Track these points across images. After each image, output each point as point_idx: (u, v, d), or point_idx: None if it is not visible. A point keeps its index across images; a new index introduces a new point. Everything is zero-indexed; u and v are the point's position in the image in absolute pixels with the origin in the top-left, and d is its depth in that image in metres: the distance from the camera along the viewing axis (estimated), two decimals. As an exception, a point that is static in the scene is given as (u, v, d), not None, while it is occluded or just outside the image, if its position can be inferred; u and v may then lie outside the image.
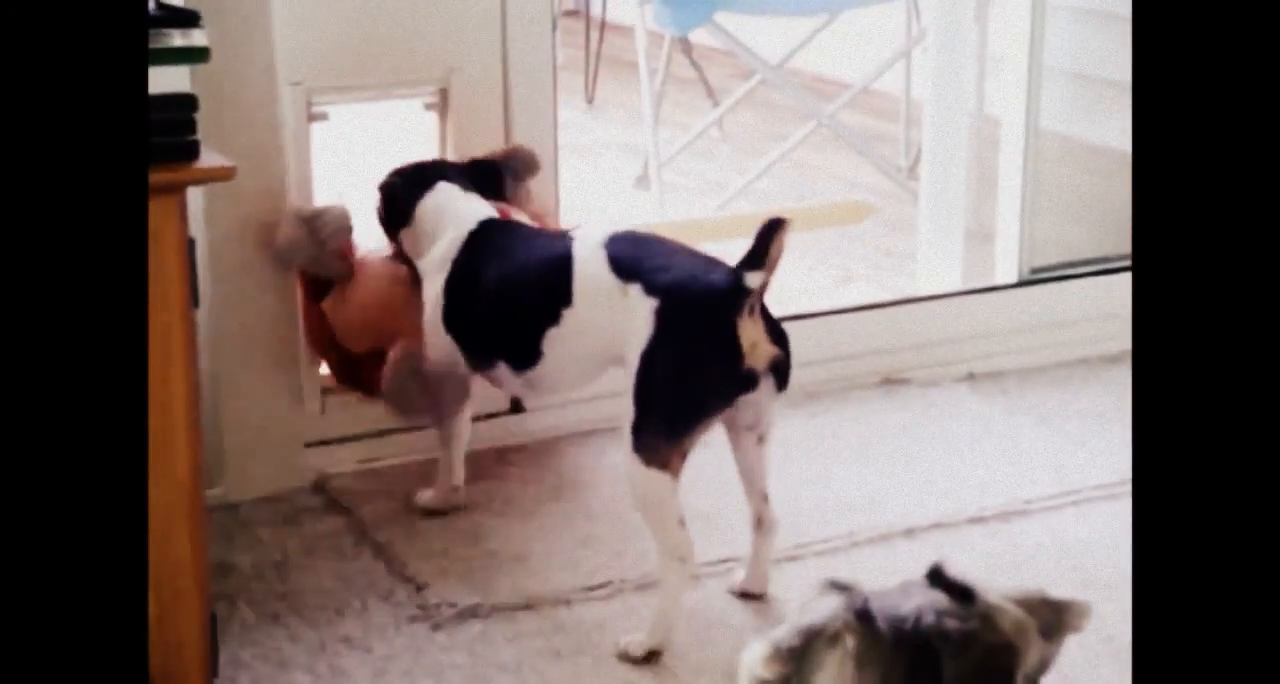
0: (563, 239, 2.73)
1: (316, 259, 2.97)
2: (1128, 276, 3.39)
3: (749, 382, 2.54)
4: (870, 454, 3.28)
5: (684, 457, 2.54)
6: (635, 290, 2.56)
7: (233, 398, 3.04)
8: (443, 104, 3.16)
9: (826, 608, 1.99)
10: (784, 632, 2.00)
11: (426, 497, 3.02)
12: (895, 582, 2.11)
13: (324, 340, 3.04)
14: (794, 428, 3.35)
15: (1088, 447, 3.30)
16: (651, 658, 2.58)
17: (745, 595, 2.75)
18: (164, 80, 2.16)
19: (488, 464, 3.17)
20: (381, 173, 2.99)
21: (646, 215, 4.80)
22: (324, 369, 3.16)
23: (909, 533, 2.97)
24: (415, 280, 2.95)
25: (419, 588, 2.79)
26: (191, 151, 2.21)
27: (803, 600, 2.05)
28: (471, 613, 2.72)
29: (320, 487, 3.13)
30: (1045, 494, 3.11)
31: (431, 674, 2.57)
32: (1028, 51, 3.69)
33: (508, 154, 3.05)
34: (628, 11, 5.17)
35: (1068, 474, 3.19)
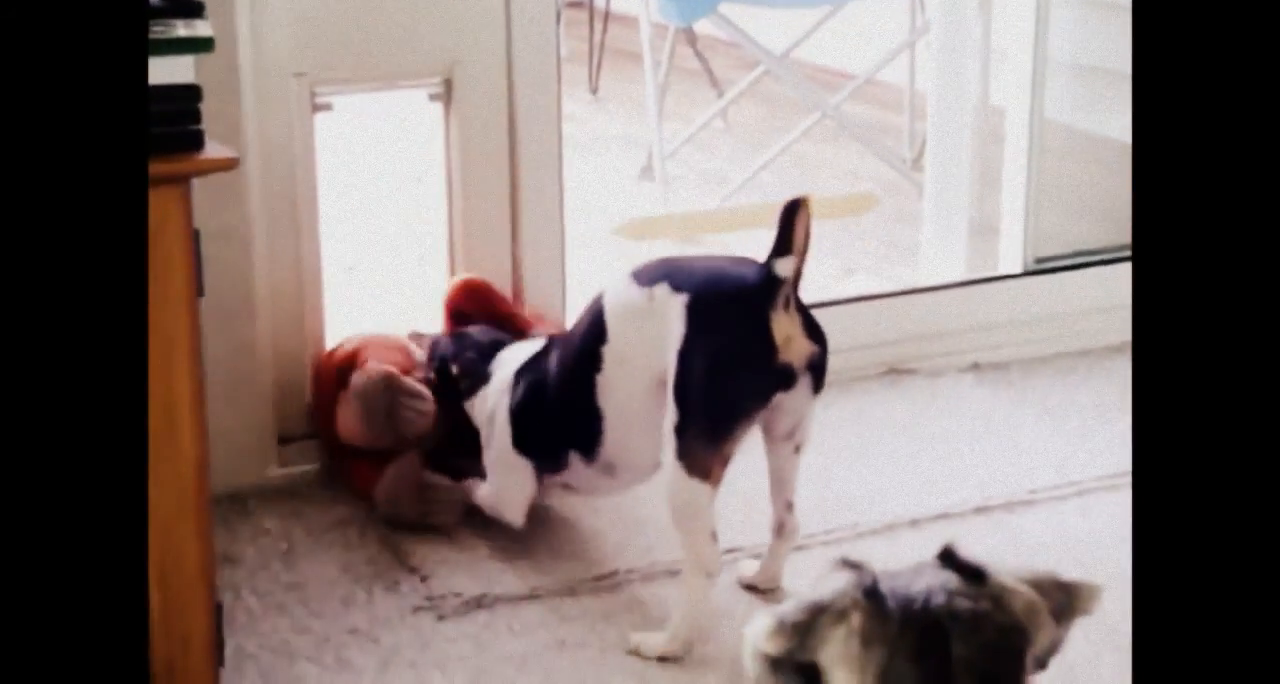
0: (595, 300, 2.67)
1: (376, 425, 2.93)
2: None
3: (785, 378, 2.48)
4: (874, 445, 3.28)
5: (725, 464, 2.50)
6: (661, 291, 2.52)
7: (238, 387, 3.04)
8: (447, 95, 3.16)
9: (835, 585, 1.98)
10: (789, 607, 1.99)
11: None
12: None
13: (324, 421, 3.05)
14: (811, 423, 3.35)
15: (1092, 438, 3.30)
16: (665, 661, 2.56)
17: (753, 589, 2.75)
18: (168, 70, 2.15)
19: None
20: (443, 328, 3.06)
21: (650, 207, 4.80)
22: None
23: (913, 524, 2.97)
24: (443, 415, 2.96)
25: (424, 579, 2.80)
26: (196, 142, 2.20)
27: (815, 578, 2.04)
28: (477, 603, 2.72)
29: (325, 477, 3.13)
30: (1049, 485, 3.11)
31: (437, 665, 2.58)
32: (1032, 43, 3.69)
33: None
34: (632, 3, 5.17)
35: (1072, 465, 3.19)
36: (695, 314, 2.47)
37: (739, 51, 5.31)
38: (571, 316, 2.95)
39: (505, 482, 2.83)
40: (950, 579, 2.00)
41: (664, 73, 5.14)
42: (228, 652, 2.49)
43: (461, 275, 3.15)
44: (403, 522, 2.92)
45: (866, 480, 3.13)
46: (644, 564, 2.83)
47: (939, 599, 1.97)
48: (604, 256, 4.25)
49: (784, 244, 2.43)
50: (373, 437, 2.95)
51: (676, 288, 2.50)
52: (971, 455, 3.23)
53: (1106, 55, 3.97)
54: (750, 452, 2.66)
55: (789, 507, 2.70)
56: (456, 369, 2.92)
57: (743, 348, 2.45)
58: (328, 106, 3.10)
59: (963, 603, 1.97)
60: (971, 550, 2.04)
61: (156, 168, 2.08)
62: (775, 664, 1.99)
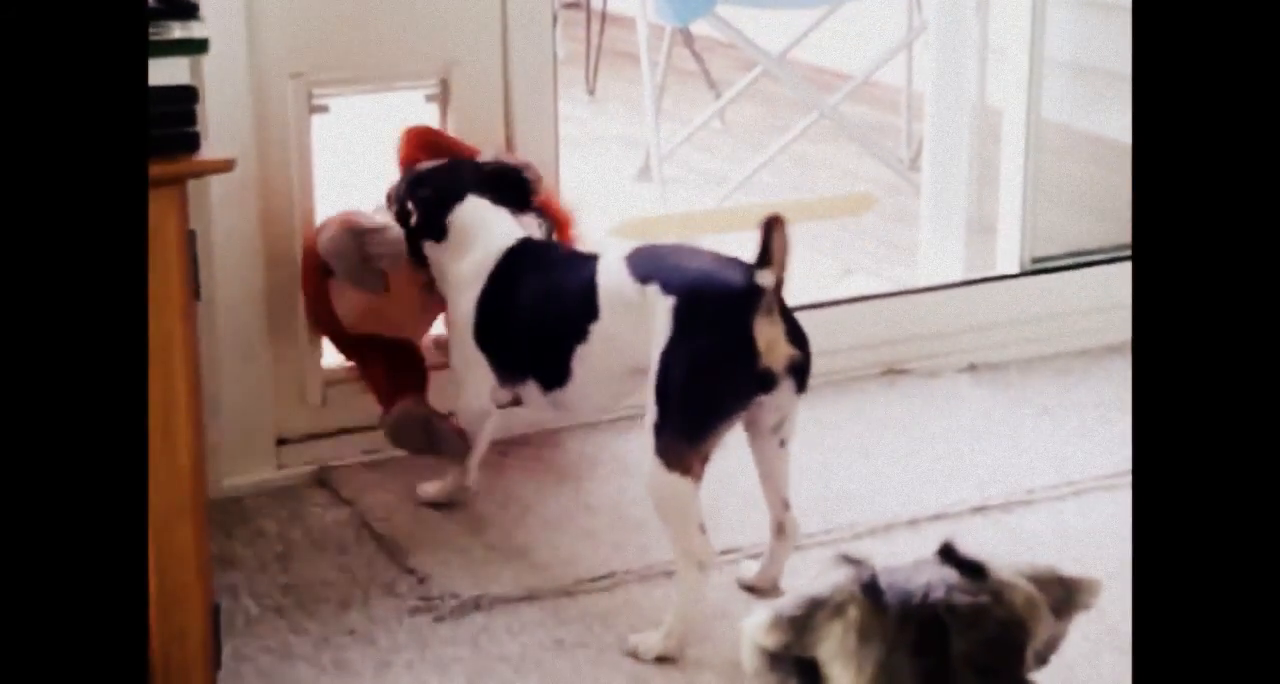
0: (590, 259, 2.75)
1: (354, 271, 2.96)
2: (1130, 267, 3.39)
3: (766, 382, 2.54)
4: (872, 445, 3.28)
5: (705, 460, 2.55)
6: (653, 290, 2.58)
7: (235, 389, 3.04)
8: (444, 96, 3.16)
9: (833, 580, 1.97)
10: (787, 601, 1.99)
11: (430, 489, 3.02)
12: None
13: (324, 318, 3.04)
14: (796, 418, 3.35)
15: (1090, 437, 3.30)
16: (663, 662, 2.57)
17: (752, 590, 2.75)
18: (164, 72, 2.15)
19: (490, 456, 3.16)
20: (399, 174, 2.99)
21: (648, 208, 4.80)
22: (325, 362, 3.16)
23: (911, 524, 2.97)
24: (429, 284, 2.96)
25: (421, 580, 2.79)
26: (192, 143, 2.20)
27: (813, 574, 2.04)
28: (474, 605, 2.72)
29: (322, 478, 3.13)
30: (1047, 484, 3.11)
31: (434, 666, 2.57)
32: (1029, 42, 3.69)
33: (524, 166, 3.04)
34: (628, 4, 5.17)
35: (1069, 465, 3.19)
36: (682, 317, 2.54)
37: (736, 52, 5.31)
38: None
39: (467, 376, 2.90)
40: (950, 574, 1.99)
41: (661, 73, 5.14)
42: (225, 653, 2.48)
43: (407, 125, 3.11)
44: (417, 453, 2.99)
45: (865, 480, 3.13)
46: (641, 565, 2.82)
47: (938, 594, 1.96)
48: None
49: (764, 257, 2.49)
50: (357, 283, 2.95)
51: (666, 288, 2.56)
52: (970, 455, 3.23)
53: (1104, 55, 3.97)
54: (749, 452, 2.67)
55: (785, 505, 2.71)
56: (412, 207, 2.93)
57: (725, 353, 2.52)
58: (324, 108, 3.09)
59: (962, 598, 1.96)
60: (971, 545, 2.04)
61: (153, 169, 2.08)
62: (773, 659, 1.99)
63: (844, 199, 4.86)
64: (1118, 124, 3.93)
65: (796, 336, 2.56)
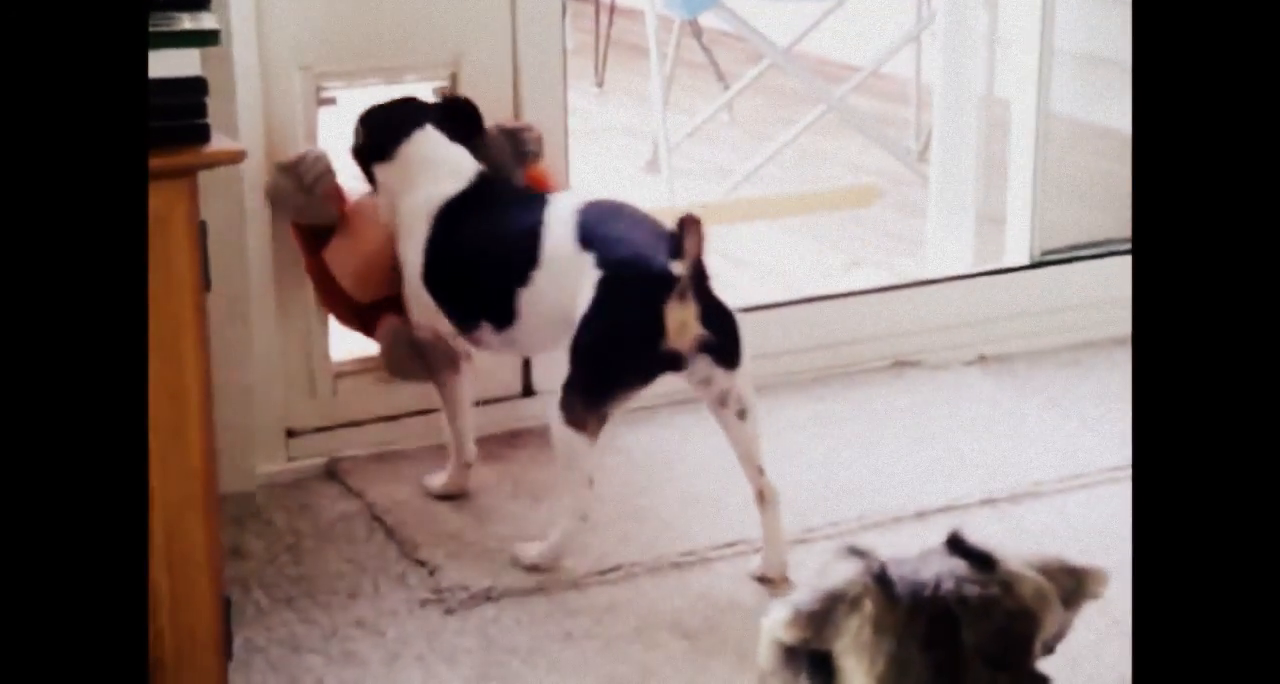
0: (540, 204, 2.83)
1: (306, 206, 2.98)
2: (1138, 259, 3.39)
3: (671, 362, 2.66)
4: (880, 437, 3.29)
5: (601, 422, 2.71)
6: (588, 260, 2.70)
7: (245, 382, 3.05)
8: (453, 88, 3.16)
9: (846, 572, 1.98)
10: (804, 596, 1.99)
11: (437, 481, 3.03)
12: (906, 562, 2.10)
13: (331, 293, 3.04)
14: (803, 411, 3.36)
15: (1097, 429, 3.30)
16: (534, 570, 2.77)
17: (763, 580, 2.76)
18: (174, 64, 2.16)
19: (498, 447, 3.18)
20: (361, 107, 3.01)
21: (656, 199, 4.80)
22: (334, 354, 3.17)
23: (919, 515, 2.97)
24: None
25: (431, 572, 2.80)
26: (202, 135, 2.20)
27: (819, 566, 2.04)
28: (484, 596, 2.73)
29: (332, 471, 3.14)
30: (1054, 476, 3.11)
31: (444, 658, 2.58)
32: (1038, 34, 3.69)
33: (525, 129, 3.06)
34: (637, -4, 5.16)
35: (1077, 456, 3.19)
36: (603, 292, 2.67)
37: (744, 44, 5.31)
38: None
39: (421, 323, 2.94)
40: (958, 565, 1.99)
41: (669, 65, 5.14)
42: (236, 645, 2.49)
43: None
44: (415, 378, 3.01)
45: (872, 472, 3.14)
46: (649, 558, 2.83)
47: (948, 585, 1.96)
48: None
49: (678, 250, 2.62)
50: (311, 218, 2.97)
51: (599, 262, 2.69)
52: (977, 447, 3.23)
53: (1112, 46, 3.96)
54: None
55: (760, 471, 2.77)
56: (363, 131, 2.97)
57: (633, 332, 2.66)
58: (332, 100, 3.10)
59: (972, 589, 1.97)
60: (979, 536, 2.04)
61: (162, 161, 2.08)
62: (789, 653, 1.99)
63: (849, 191, 4.86)
64: (1126, 116, 3.92)
65: (716, 317, 2.64)
